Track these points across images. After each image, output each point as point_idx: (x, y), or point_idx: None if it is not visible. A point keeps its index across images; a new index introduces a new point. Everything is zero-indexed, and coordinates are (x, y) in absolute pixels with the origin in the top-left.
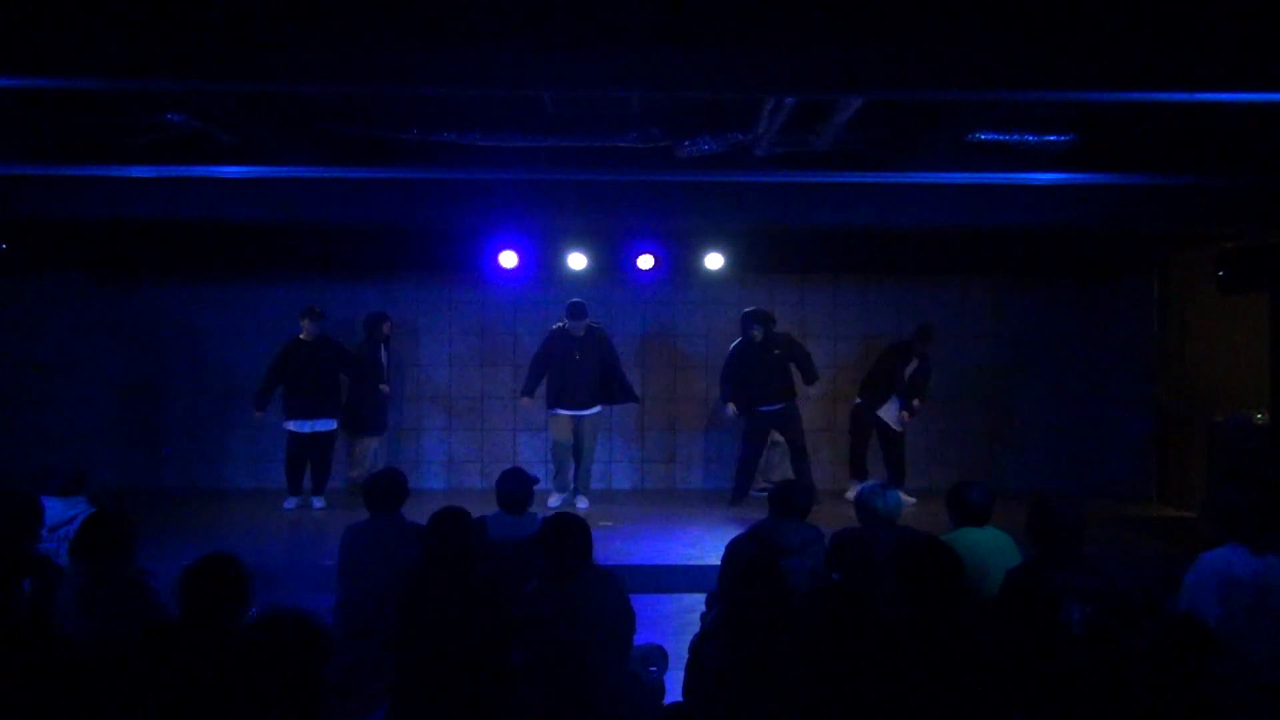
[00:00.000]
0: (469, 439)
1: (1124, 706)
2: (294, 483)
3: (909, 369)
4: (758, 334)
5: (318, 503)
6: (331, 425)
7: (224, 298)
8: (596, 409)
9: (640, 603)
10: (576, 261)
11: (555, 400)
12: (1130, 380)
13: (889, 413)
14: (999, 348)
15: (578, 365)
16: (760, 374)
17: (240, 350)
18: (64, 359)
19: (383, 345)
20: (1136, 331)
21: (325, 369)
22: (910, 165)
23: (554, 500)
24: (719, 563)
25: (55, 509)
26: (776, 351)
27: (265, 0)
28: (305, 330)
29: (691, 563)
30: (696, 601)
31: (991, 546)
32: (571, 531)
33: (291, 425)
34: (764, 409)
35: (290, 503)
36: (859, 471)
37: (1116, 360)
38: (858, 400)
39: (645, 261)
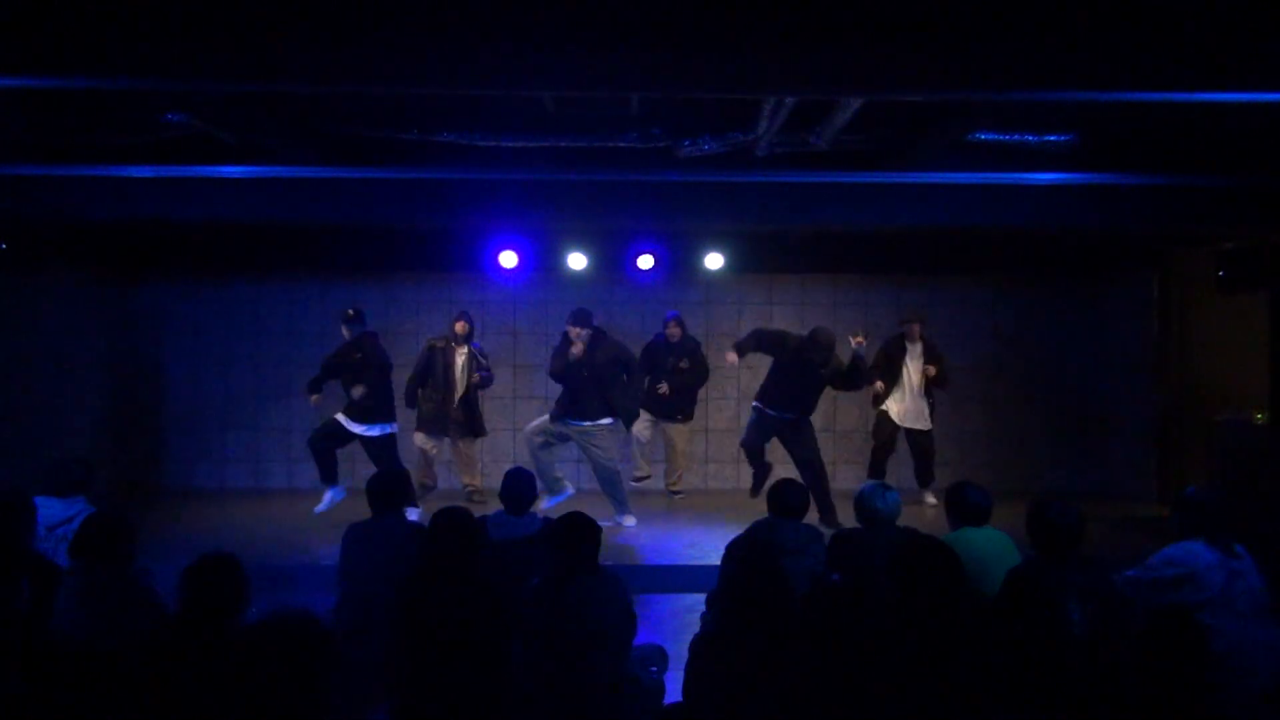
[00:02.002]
0: None
1: (1124, 706)
2: (327, 470)
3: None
4: (817, 357)
5: (413, 514)
6: (383, 430)
7: (224, 298)
8: (585, 423)
9: (640, 603)
10: (576, 261)
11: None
12: (1130, 380)
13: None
14: (999, 347)
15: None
16: (798, 386)
17: (240, 350)
18: (63, 358)
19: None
20: (1136, 331)
21: (357, 371)
22: (910, 165)
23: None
24: (719, 563)
25: (54, 509)
26: (823, 370)
27: (265, 0)
28: (345, 334)
29: (691, 563)
30: (696, 601)
31: (991, 546)
32: (581, 531)
33: (339, 416)
34: (773, 413)
35: (327, 499)
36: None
37: (1116, 360)
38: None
39: (645, 261)
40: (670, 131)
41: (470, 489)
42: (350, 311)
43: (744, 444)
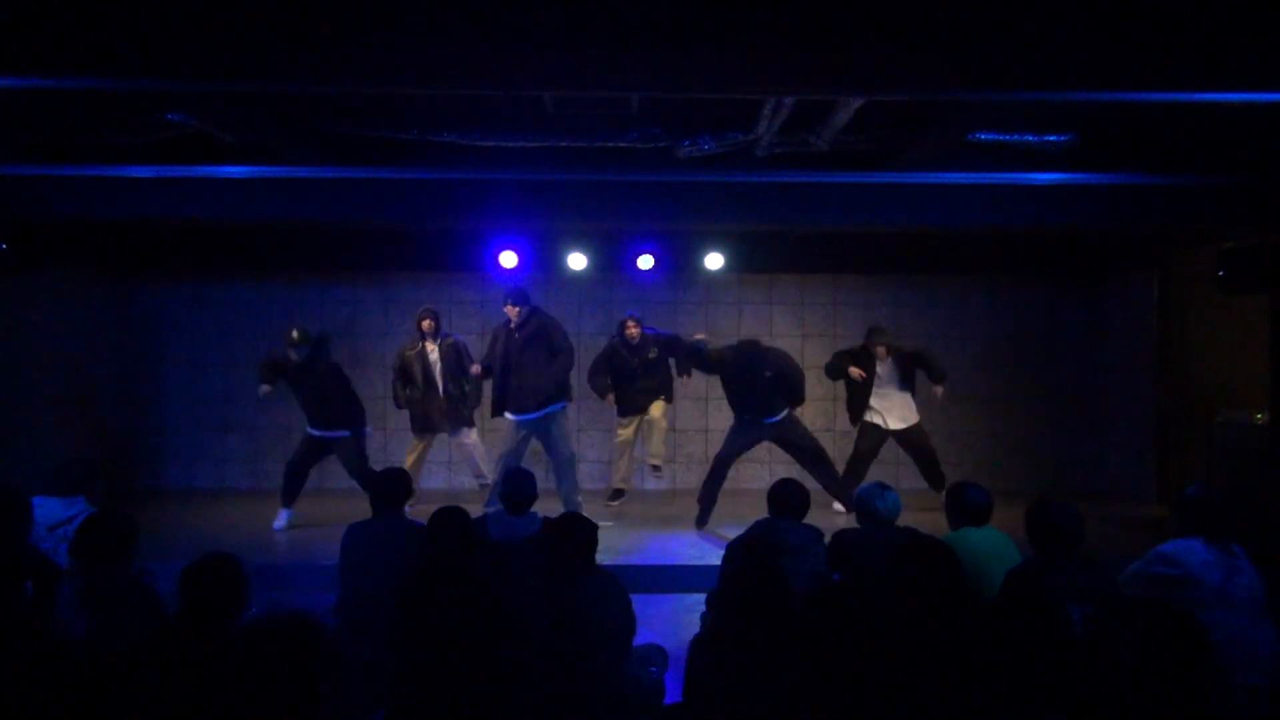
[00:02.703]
0: None
1: (1124, 706)
2: (290, 492)
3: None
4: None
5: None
6: (345, 433)
7: (224, 298)
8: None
9: (640, 603)
10: (576, 261)
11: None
12: (1130, 380)
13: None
14: (999, 348)
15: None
16: (750, 389)
17: (240, 350)
18: (64, 359)
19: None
20: (1136, 331)
21: (327, 387)
22: (910, 165)
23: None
24: (719, 563)
25: (54, 508)
26: (768, 374)
27: (266, 1)
28: (295, 355)
29: (691, 563)
30: (696, 601)
31: (991, 546)
32: (576, 532)
33: (310, 430)
34: (752, 418)
35: (282, 518)
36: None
37: (1116, 360)
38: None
39: (645, 261)
40: (670, 131)
41: (481, 481)
42: (295, 334)
43: (720, 456)
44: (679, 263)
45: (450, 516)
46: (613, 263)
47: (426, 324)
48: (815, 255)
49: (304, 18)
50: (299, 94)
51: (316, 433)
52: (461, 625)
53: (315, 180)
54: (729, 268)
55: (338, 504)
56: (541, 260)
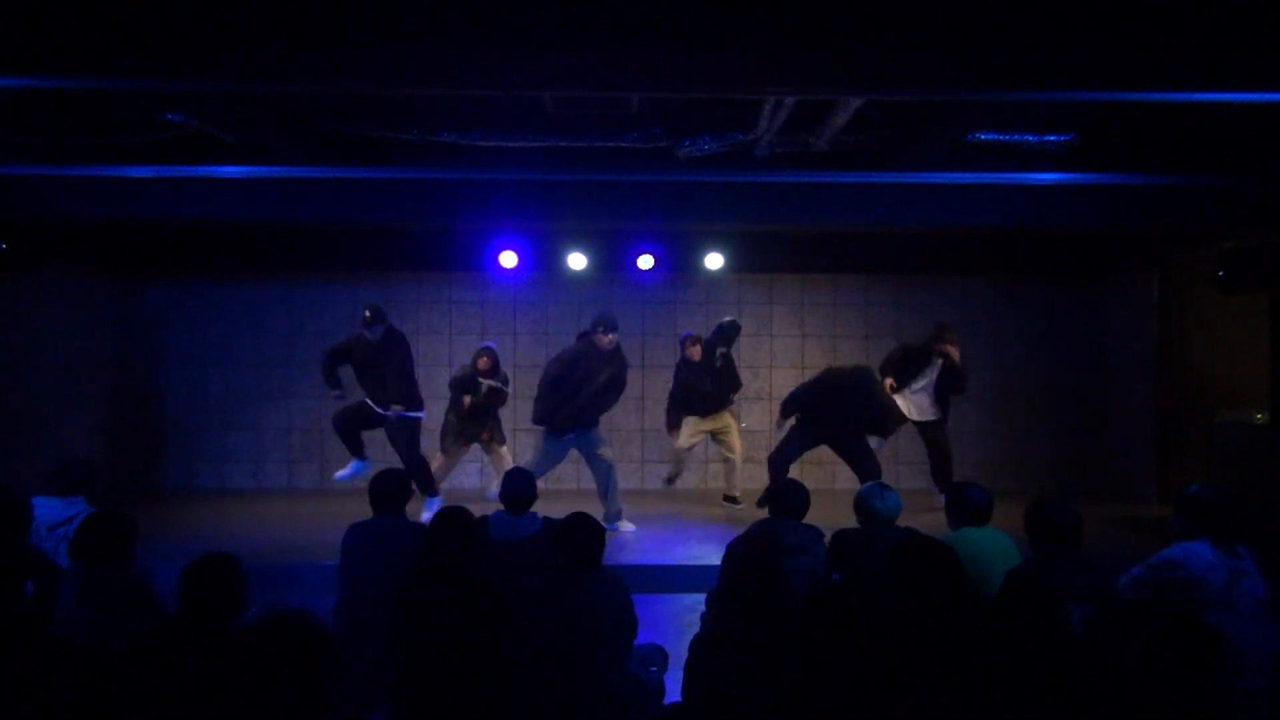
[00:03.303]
0: None
1: (1124, 707)
2: (354, 443)
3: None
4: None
5: (435, 504)
6: (414, 415)
7: (224, 298)
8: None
9: (640, 603)
10: (576, 261)
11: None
12: (1130, 380)
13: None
14: (1000, 348)
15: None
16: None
17: (240, 350)
18: (64, 359)
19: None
20: (1136, 331)
21: (393, 365)
22: (910, 165)
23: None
24: (719, 563)
25: (54, 508)
26: (872, 413)
27: (266, 1)
28: (369, 335)
29: (691, 563)
30: (696, 601)
31: (991, 546)
32: (586, 533)
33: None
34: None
35: (349, 470)
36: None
37: (1117, 360)
38: None
39: (645, 261)
40: (670, 131)
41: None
42: (368, 313)
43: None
44: (679, 263)
45: (450, 516)
46: (613, 263)
47: (483, 362)
48: (815, 255)
49: (304, 18)
50: (299, 94)
51: (378, 411)
52: (461, 625)
53: (315, 180)
54: (729, 268)
55: (338, 504)
56: (541, 260)
